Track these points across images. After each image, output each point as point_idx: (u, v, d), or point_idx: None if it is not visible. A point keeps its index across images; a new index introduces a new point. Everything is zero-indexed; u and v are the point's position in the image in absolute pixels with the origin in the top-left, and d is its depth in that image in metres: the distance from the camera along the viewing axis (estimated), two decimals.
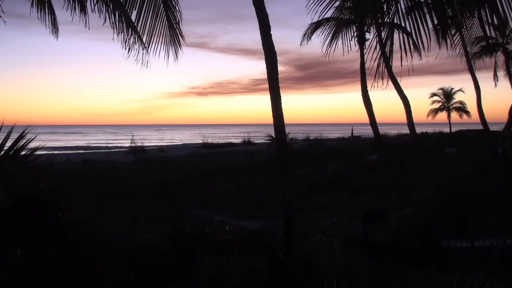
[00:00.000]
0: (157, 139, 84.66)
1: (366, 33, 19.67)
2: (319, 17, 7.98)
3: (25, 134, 5.46)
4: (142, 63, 7.77)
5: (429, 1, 6.67)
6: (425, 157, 21.27)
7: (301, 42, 21.71)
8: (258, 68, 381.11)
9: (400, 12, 7.11)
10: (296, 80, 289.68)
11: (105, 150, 39.91)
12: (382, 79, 10.84)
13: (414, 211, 10.48)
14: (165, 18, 7.76)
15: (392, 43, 8.64)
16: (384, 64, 10.24)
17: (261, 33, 6.66)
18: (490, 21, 6.46)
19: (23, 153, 5.51)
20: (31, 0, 7.27)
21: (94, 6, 7.14)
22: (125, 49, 7.56)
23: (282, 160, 6.85)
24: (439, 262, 5.24)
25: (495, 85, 27.88)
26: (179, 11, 7.79)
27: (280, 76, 6.73)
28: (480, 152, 20.46)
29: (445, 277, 4.54)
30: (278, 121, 6.65)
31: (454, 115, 50.21)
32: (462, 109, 49.71)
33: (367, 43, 18.54)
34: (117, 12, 7.27)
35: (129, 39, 7.52)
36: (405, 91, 17.79)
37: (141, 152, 34.20)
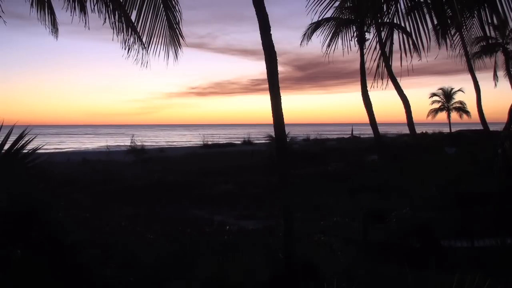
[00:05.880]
0: (157, 139, 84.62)
1: (366, 33, 19.63)
2: (319, 17, 7.97)
3: (25, 134, 5.45)
4: (142, 63, 7.76)
5: (429, 1, 6.67)
6: (425, 157, 21.26)
7: (301, 42, 21.66)
8: (257, 68, 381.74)
9: (400, 12, 7.12)
10: (296, 80, 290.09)
11: (105, 150, 39.89)
12: (382, 79, 10.79)
13: (414, 211, 10.49)
14: (165, 18, 7.75)
15: (392, 43, 8.62)
16: (384, 64, 10.20)
17: (261, 33, 6.65)
18: (490, 21, 6.45)
19: (23, 153, 5.51)
20: (31, 0, 7.27)
21: (94, 6, 7.13)
22: (125, 49, 7.55)
23: (282, 160, 6.84)
24: (439, 262, 5.24)
25: (495, 85, 27.85)
26: (179, 11, 7.79)
27: (280, 76, 6.72)
28: (480, 152, 20.45)
29: (445, 277, 4.54)
30: (278, 121, 6.64)
31: (454, 115, 50.28)
32: (462, 109, 49.75)
33: (367, 43, 18.49)
34: (117, 12, 7.26)
35: (128, 39, 7.51)
36: (405, 91, 17.71)
37: (141, 152, 34.16)
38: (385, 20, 7.84)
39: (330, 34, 20.43)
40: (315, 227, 10.40)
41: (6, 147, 5.41)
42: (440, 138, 43.51)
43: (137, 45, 7.63)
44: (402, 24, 7.12)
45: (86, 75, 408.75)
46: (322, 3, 7.42)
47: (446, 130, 52.68)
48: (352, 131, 66.56)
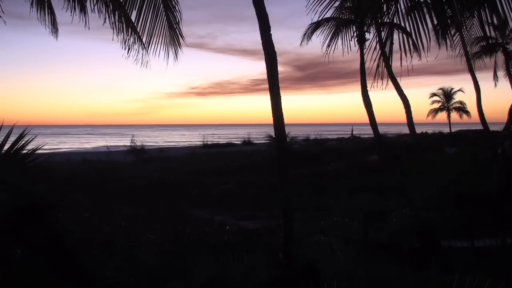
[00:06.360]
0: (157, 139, 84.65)
1: (366, 33, 19.63)
2: (319, 17, 8.00)
3: (25, 134, 5.45)
4: (142, 63, 7.76)
5: (429, 1, 6.67)
6: (425, 157, 21.28)
7: (301, 42, 21.58)
8: (257, 68, 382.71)
9: (400, 12, 7.12)
10: (295, 80, 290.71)
11: (105, 150, 39.90)
12: (382, 79, 10.80)
13: (414, 211, 10.48)
14: (165, 18, 7.75)
15: (392, 43, 8.63)
16: (384, 64, 10.21)
17: (261, 33, 6.65)
18: (490, 21, 6.45)
19: (23, 153, 5.50)
20: (31, 0, 7.27)
21: (94, 6, 7.13)
22: (125, 49, 7.55)
23: (282, 160, 6.84)
24: (439, 262, 5.24)
25: (495, 85, 27.81)
26: (179, 11, 7.78)
27: (279, 76, 6.72)
28: (480, 152, 20.46)
29: (445, 277, 4.54)
30: (278, 121, 6.64)
31: (454, 115, 50.31)
32: (462, 109, 49.78)
33: (367, 43, 18.46)
34: (117, 12, 7.26)
35: (128, 39, 7.51)
36: (405, 91, 17.71)
37: (141, 152, 34.18)
38: (385, 20, 7.85)
39: (330, 34, 20.40)
40: (315, 227, 10.40)
41: (6, 147, 5.41)
42: (440, 138, 43.53)
43: (137, 45, 7.64)
44: (402, 24, 7.13)
45: (86, 75, 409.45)
46: (322, 3, 7.44)
47: (446, 130, 52.71)
48: (352, 131, 66.53)
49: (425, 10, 6.68)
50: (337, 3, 8.14)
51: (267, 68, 6.67)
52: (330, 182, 17.92)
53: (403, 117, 18.13)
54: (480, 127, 22.53)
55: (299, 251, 6.85)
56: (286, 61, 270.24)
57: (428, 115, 51.09)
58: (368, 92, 20.57)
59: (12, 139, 5.46)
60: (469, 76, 20.76)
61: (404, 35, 7.67)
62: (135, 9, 7.47)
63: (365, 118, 20.74)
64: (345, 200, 14.29)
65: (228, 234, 9.15)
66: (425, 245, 8.66)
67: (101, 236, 6.97)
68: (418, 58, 7.46)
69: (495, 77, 27.41)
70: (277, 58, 6.71)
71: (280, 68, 6.80)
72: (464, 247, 8.74)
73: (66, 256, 5.09)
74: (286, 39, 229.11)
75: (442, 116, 53.27)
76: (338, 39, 20.31)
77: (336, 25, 19.77)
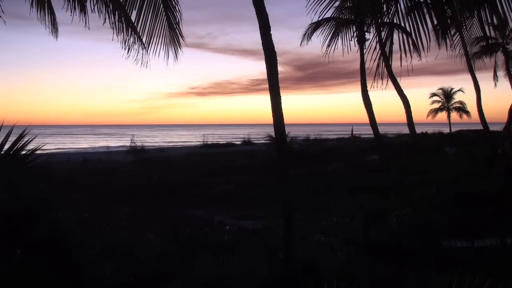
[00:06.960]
0: (157, 139, 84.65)
1: (366, 33, 19.70)
2: (319, 17, 7.99)
3: (25, 134, 5.45)
4: (141, 63, 7.77)
5: (429, 1, 6.68)
6: (425, 157, 21.27)
7: (301, 42, 21.77)
8: (257, 68, 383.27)
9: (400, 12, 7.13)
10: (295, 81, 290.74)
11: (105, 150, 39.90)
12: (382, 79, 10.79)
13: (414, 211, 10.48)
14: (165, 18, 7.76)
15: (392, 43, 8.63)
16: (384, 64, 10.20)
17: (261, 33, 6.65)
18: (490, 21, 6.46)
19: (23, 153, 5.50)
20: (31, 0, 7.27)
21: (94, 6, 7.14)
22: (125, 49, 7.56)
23: (282, 160, 6.84)
24: (439, 262, 5.24)
25: (495, 85, 27.96)
26: (179, 11, 7.80)
27: (280, 76, 6.72)
28: (480, 152, 20.46)
29: (445, 277, 4.54)
30: (278, 121, 6.64)
31: (454, 115, 50.35)
32: (462, 109, 49.80)
33: (367, 43, 18.54)
34: (117, 12, 7.27)
35: (128, 39, 7.52)
36: (405, 91, 17.80)
37: (141, 152, 34.18)
38: (385, 20, 7.85)
39: (330, 34, 20.52)
40: (315, 227, 10.40)
41: (6, 147, 5.41)
42: (440, 138, 43.56)
43: (137, 45, 7.64)
44: (402, 24, 7.13)
45: (86, 75, 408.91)
46: (322, 3, 7.44)
47: (446, 130, 52.76)
48: (352, 131, 66.57)
49: (425, 10, 6.69)
50: (337, 3, 8.12)
51: (267, 68, 6.67)
52: (330, 182, 17.90)
53: (403, 117, 18.23)
54: (480, 127, 22.59)
55: (299, 251, 6.85)
56: (286, 61, 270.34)
57: (428, 115, 51.17)
58: (368, 92, 20.72)
59: (12, 139, 5.46)
60: (469, 76, 20.85)
61: (404, 35, 7.67)
62: (135, 9, 7.48)
63: (365, 118, 20.80)
64: (345, 200, 14.29)
65: (228, 234, 9.15)
66: (425, 245, 8.66)
67: (101, 236, 6.98)
68: (418, 58, 7.46)
69: (495, 77, 27.52)
70: (277, 58, 6.71)
71: (280, 68, 6.80)
72: (464, 247, 8.74)
73: (66, 256, 5.09)
74: (286, 39, 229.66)
75: (442, 116, 53.37)
76: (338, 39, 20.45)
77: (336, 25, 19.88)
